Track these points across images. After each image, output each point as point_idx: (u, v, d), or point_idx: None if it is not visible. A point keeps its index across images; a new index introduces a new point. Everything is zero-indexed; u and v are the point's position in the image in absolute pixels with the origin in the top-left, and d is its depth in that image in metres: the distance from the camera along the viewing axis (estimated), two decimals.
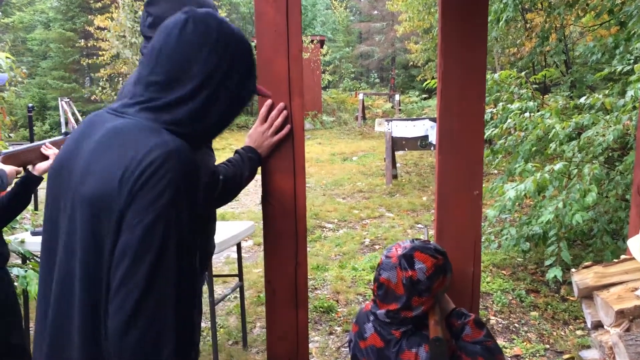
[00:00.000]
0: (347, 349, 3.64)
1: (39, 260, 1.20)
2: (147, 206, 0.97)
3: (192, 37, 1.12)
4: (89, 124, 1.16)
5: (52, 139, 2.54)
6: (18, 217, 3.18)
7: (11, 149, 3.88)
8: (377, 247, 6.00)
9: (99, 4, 18.52)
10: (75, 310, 1.04)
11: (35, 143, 2.47)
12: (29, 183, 2.34)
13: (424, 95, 21.50)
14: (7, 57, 3.98)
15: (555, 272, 3.79)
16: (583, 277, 2.53)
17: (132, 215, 0.97)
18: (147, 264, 0.95)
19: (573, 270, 2.63)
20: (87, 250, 1.02)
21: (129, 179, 0.98)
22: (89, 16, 19.32)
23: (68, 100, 16.68)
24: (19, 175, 2.36)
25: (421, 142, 9.16)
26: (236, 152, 1.81)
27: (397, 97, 20.11)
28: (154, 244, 0.95)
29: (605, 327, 2.41)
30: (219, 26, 1.15)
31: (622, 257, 2.73)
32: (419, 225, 6.79)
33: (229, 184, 1.77)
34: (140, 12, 18.03)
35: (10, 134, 18.33)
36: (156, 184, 0.98)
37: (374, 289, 1.68)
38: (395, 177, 9.56)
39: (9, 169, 2.27)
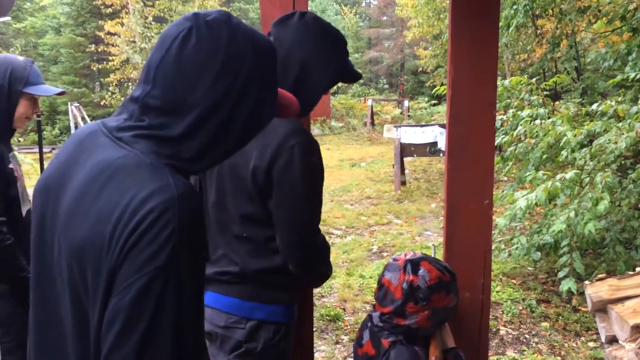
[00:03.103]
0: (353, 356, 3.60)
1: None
2: (142, 265, 0.82)
3: (195, 54, 0.90)
4: (81, 145, 0.99)
5: None
6: None
7: (17, 153, 3.85)
8: (385, 254, 5.94)
9: (110, 10, 18.67)
10: None
11: None
12: None
13: (433, 102, 21.45)
14: None
15: (569, 285, 3.71)
16: (597, 290, 2.47)
17: (124, 276, 0.83)
18: (139, 332, 0.82)
19: (586, 282, 2.57)
20: (75, 309, 0.91)
21: (122, 234, 0.84)
22: (100, 21, 19.47)
23: (78, 105, 16.78)
24: None
25: (430, 149, 9.10)
26: None
27: (406, 103, 20.05)
28: (147, 310, 0.82)
29: (620, 342, 2.34)
30: (230, 37, 0.91)
31: (638, 269, 2.66)
32: (428, 232, 6.72)
33: None
34: (150, 18, 18.22)
35: (20, 138, 18.40)
36: (152, 240, 0.83)
37: (375, 290, 1.67)
38: (403, 183, 9.50)
39: None
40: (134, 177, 0.88)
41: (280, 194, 1.47)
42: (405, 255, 1.66)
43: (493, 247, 4.81)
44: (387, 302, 1.60)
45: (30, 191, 2.28)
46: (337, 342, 3.86)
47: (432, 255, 1.97)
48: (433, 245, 2.23)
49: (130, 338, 0.82)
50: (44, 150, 5.78)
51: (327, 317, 4.21)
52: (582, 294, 4.16)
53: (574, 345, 3.73)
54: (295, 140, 1.44)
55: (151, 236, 0.83)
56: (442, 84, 8.93)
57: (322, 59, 1.53)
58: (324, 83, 1.56)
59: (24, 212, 2.10)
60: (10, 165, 2.03)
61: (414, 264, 1.60)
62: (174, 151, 0.92)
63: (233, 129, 0.95)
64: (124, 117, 0.96)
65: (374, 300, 1.69)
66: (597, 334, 3.72)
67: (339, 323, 4.16)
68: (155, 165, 0.90)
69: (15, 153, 2.16)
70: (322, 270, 1.63)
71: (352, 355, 3.66)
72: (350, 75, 1.62)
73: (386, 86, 29.11)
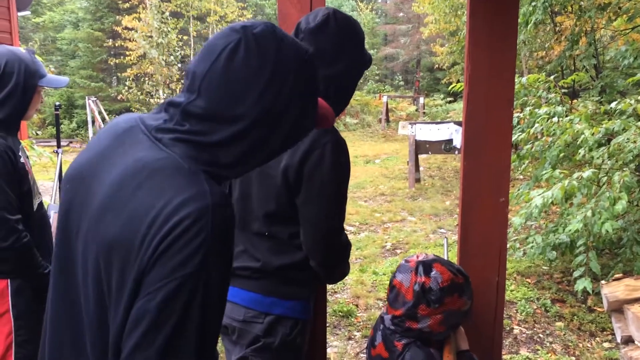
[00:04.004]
0: (366, 355, 3.60)
1: None
2: (172, 271, 0.83)
3: (243, 67, 0.90)
4: (118, 139, 0.99)
5: None
6: None
7: (36, 147, 3.89)
8: (398, 251, 5.93)
9: (127, 5, 18.85)
10: None
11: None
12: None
13: (449, 99, 21.31)
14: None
15: (584, 284, 3.67)
16: (613, 290, 2.44)
17: (153, 279, 0.84)
18: (163, 336, 0.83)
19: (603, 282, 2.54)
20: (98, 302, 0.92)
21: (155, 236, 0.84)
22: (117, 16, 19.65)
23: (95, 99, 16.92)
24: None
25: (445, 146, 9.05)
26: None
27: (421, 100, 19.96)
28: (174, 315, 0.83)
29: (636, 342, 2.32)
30: (277, 50, 0.92)
31: None
32: (442, 230, 6.69)
33: None
34: (167, 13, 18.31)
35: (38, 132, 18.61)
36: (185, 245, 0.84)
37: (387, 292, 1.66)
38: (418, 180, 9.47)
39: None
40: (171, 181, 0.89)
41: (309, 190, 1.49)
42: (417, 256, 1.64)
43: (508, 245, 4.79)
44: (398, 305, 1.59)
45: (42, 184, 2.27)
46: (349, 338, 3.87)
47: (445, 249, 1.96)
48: (446, 238, 2.21)
49: (154, 341, 0.83)
50: (62, 143, 5.84)
51: (340, 313, 4.22)
52: (597, 294, 4.12)
53: (589, 345, 3.70)
54: (327, 139, 1.47)
55: (183, 243, 0.84)
56: (458, 81, 8.87)
57: (358, 60, 1.58)
58: (358, 78, 1.63)
59: (35, 206, 2.11)
60: (22, 160, 2.03)
61: (426, 265, 1.58)
62: (212, 157, 0.93)
63: (274, 140, 0.96)
64: (163, 118, 0.96)
65: (386, 301, 1.68)
66: (613, 334, 3.69)
67: (352, 319, 4.16)
68: (193, 171, 0.90)
69: (35, 146, 2.17)
70: (342, 268, 1.64)
71: (364, 351, 3.66)
72: (369, 61, 1.66)
73: (402, 83, 28.96)
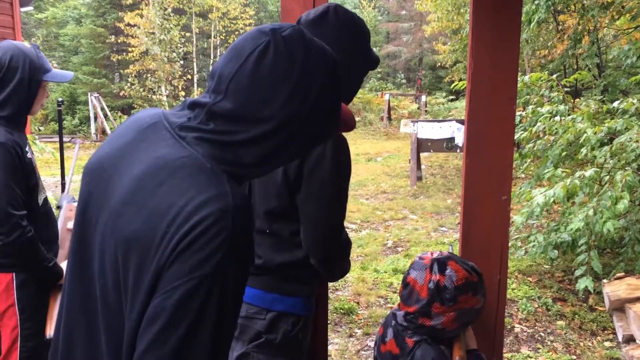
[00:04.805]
0: (369, 351, 3.61)
1: None
2: (190, 270, 0.83)
3: (271, 70, 0.90)
4: (141, 135, 0.99)
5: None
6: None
7: (38, 142, 3.90)
8: (399, 249, 5.93)
9: (130, 1, 18.81)
10: None
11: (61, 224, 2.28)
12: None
13: (451, 97, 21.29)
14: None
15: (585, 283, 3.68)
16: (615, 289, 2.44)
17: (170, 278, 0.83)
18: (178, 335, 0.82)
19: (604, 281, 2.54)
20: (116, 295, 0.92)
21: (175, 234, 0.84)
22: (120, 13, 19.63)
23: (97, 95, 16.95)
24: None
25: (447, 144, 9.05)
26: None
27: (423, 98, 19.92)
28: (190, 314, 0.83)
29: (637, 341, 2.32)
30: (305, 54, 0.93)
31: None
32: (443, 228, 6.69)
33: None
34: (169, 9, 18.31)
35: (40, 127, 18.59)
36: (204, 245, 0.83)
37: (400, 289, 1.66)
38: (419, 178, 9.47)
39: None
40: (193, 180, 0.88)
41: (309, 188, 1.48)
42: (432, 254, 1.63)
43: (509, 244, 4.79)
44: (412, 302, 1.58)
45: (44, 179, 2.26)
46: (350, 335, 3.87)
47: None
48: (451, 245, 2.20)
49: (169, 340, 0.82)
50: (64, 139, 5.85)
51: (341, 310, 4.22)
52: (599, 293, 4.12)
53: (590, 344, 3.70)
54: None
55: (202, 242, 0.83)
56: (460, 79, 8.86)
57: (359, 55, 1.56)
58: (360, 77, 1.60)
59: (40, 201, 2.11)
60: (29, 155, 2.03)
61: (441, 263, 1.58)
62: (235, 157, 0.93)
63: (297, 142, 0.97)
64: (187, 116, 0.96)
65: (398, 297, 1.67)
66: (614, 333, 3.69)
67: (353, 316, 4.17)
68: (215, 171, 0.90)
69: (37, 141, 2.17)
70: (343, 266, 1.64)
71: (365, 348, 3.67)
72: (375, 62, 1.64)
73: (404, 81, 28.93)
